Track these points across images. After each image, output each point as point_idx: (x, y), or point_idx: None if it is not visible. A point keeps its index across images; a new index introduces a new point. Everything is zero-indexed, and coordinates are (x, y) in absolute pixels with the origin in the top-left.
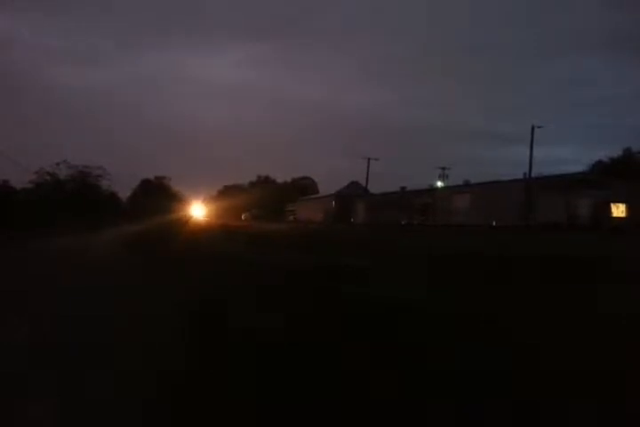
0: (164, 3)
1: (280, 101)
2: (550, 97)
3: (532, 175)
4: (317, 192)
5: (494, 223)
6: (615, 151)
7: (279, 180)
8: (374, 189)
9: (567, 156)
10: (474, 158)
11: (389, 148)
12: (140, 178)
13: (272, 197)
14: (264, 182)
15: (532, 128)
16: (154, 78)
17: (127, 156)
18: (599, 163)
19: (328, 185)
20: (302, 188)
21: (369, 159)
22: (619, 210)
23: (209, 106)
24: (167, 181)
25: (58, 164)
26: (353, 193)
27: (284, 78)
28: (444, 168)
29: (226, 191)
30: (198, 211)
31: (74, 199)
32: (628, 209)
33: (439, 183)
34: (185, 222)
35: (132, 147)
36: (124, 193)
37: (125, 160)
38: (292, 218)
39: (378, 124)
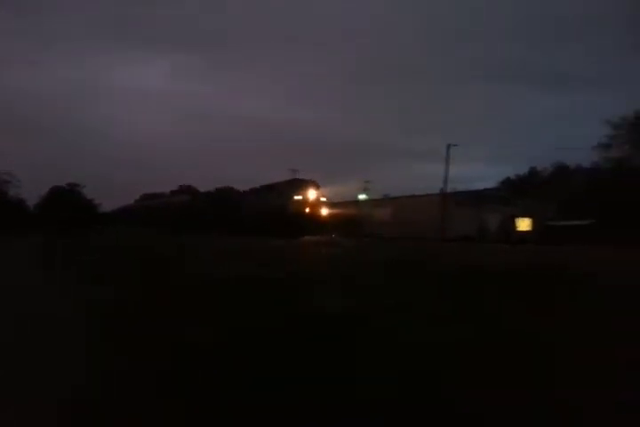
0: (99, 10)
1: (209, 113)
2: (468, 119)
3: (448, 190)
4: None
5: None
6: (522, 169)
7: (202, 189)
8: None
9: (479, 173)
10: (396, 174)
11: (317, 161)
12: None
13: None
14: (186, 192)
15: (448, 146)
16: (81, 85)
17: (41, 162)
18: (507, 180)
19: None
20: (226, 198)
21: (295, 171)
22: (524, 224)
23: (133, 114)
24: (80, 188)
25: None
26: None
27: (215, 90)
28: (367, 181)
29: (144, 200)
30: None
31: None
32: (533, 223)
33: (361, 196)
34: None
35: (49, 153)
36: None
37: (39, 166)
38: None
39: (308, 140)
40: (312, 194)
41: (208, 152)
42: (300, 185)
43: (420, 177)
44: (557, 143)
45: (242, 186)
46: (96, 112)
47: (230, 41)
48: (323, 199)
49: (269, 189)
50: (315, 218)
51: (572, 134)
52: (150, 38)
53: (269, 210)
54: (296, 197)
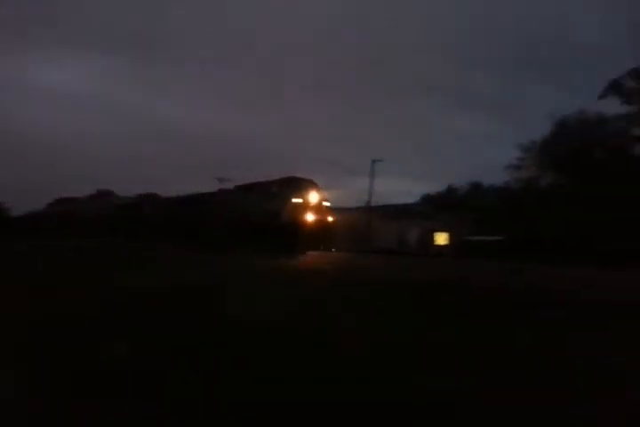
0: (11, 9)
1: (128, 117)
2: (393, 135)
3: (372, 204)
4: None
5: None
6: (441, 186)
7: (122, 195)
8: None
9: (401, 188)
10: (321, 186)
11: (243, 171)
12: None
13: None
14: (104, 196)
15: (373, 161)
16: None
17: None
18: (428, 196)
19: None
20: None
21: (222, 179)
22: (442, 238)
23: (48, 116)
24: None
25: None
26: None
27: (134, 94)
28: None
29: (58, 204)
30: None
31: None
32: (450, 237)
33: None
34: None
35: None
36: None
37: None
38: None
39: (232, 148)
40: (314, 196)
41: (127, 157)
42: (299, 184)
43: (346, 190)
44: (474, 163)
45: (166, 192)
46: (6, 112)
47: (159, 44)
48: (326, 204)
49: (251, 189)
50: (321, 228)
51: (487, 155)
52: (72, 38)
53: (255, 217)
54: (295, 200)
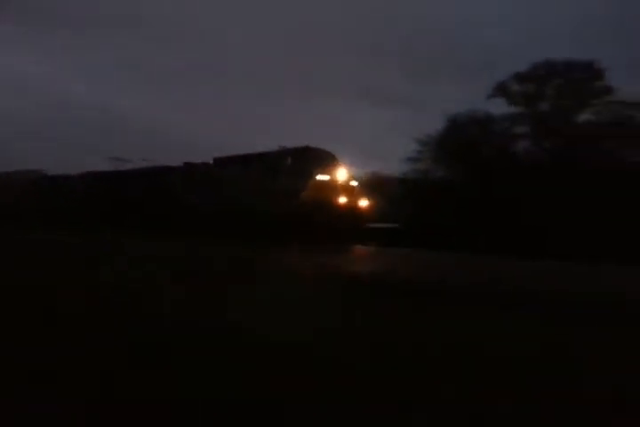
0: None
1: (16, 88)
2: (305, 125)
3: None
4: None
5: None
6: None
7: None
8: None
9: None
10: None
11: (136, 151)
12: None
13: None
14: None
15: (279, 148)
16: None
17: None
18: None
19: None
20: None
21: (118, 160)
22: None
23: None
24: None
25: None
26: None
27: (26, 63)
28: None
29: None
30: None
31: None
32: None
33: None
34: None
35: None
36: None
37: None
38: None
39: (135, 131)
40: (342, 173)
41: (14, 130)
42: (320, 157)
43: None
44: (376, 153)
45: (55, 171)
46: None
47: (57, 11)
48: (354, 183)
49: (249, 161)
50: (355, 215)
51: (389, 146)
52: None
53: (262, 197)
54: (319, 178)
